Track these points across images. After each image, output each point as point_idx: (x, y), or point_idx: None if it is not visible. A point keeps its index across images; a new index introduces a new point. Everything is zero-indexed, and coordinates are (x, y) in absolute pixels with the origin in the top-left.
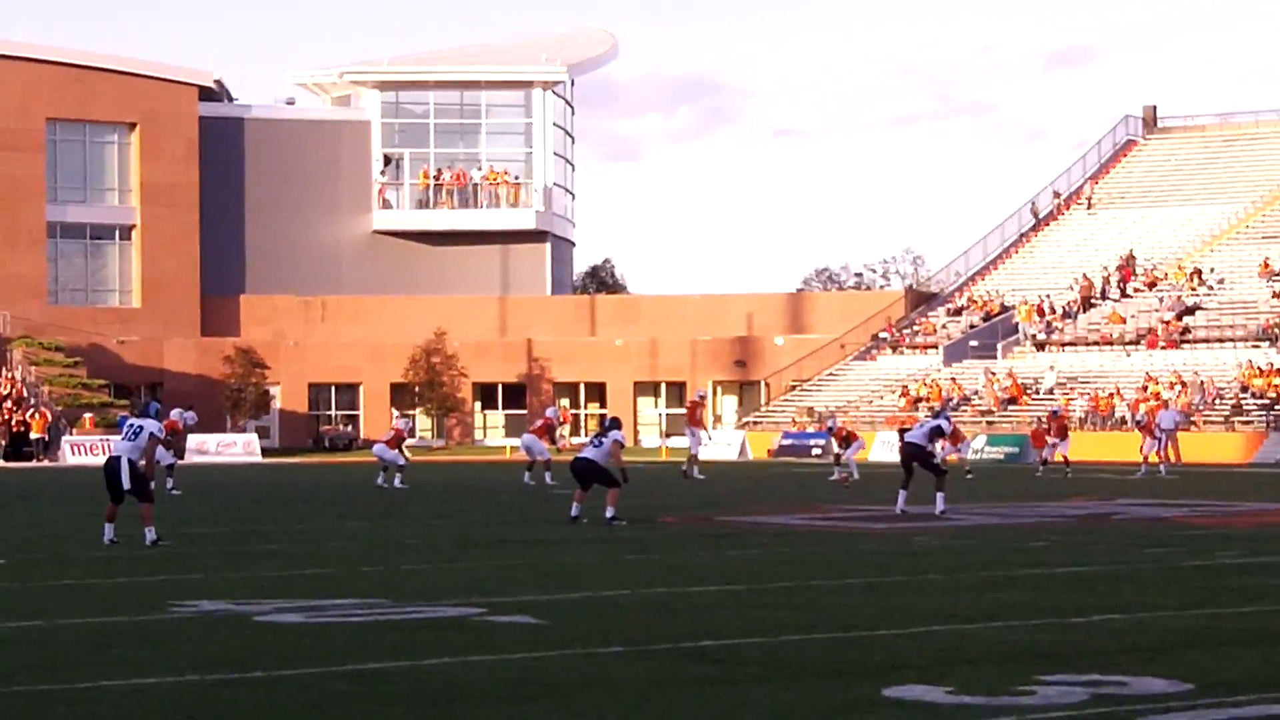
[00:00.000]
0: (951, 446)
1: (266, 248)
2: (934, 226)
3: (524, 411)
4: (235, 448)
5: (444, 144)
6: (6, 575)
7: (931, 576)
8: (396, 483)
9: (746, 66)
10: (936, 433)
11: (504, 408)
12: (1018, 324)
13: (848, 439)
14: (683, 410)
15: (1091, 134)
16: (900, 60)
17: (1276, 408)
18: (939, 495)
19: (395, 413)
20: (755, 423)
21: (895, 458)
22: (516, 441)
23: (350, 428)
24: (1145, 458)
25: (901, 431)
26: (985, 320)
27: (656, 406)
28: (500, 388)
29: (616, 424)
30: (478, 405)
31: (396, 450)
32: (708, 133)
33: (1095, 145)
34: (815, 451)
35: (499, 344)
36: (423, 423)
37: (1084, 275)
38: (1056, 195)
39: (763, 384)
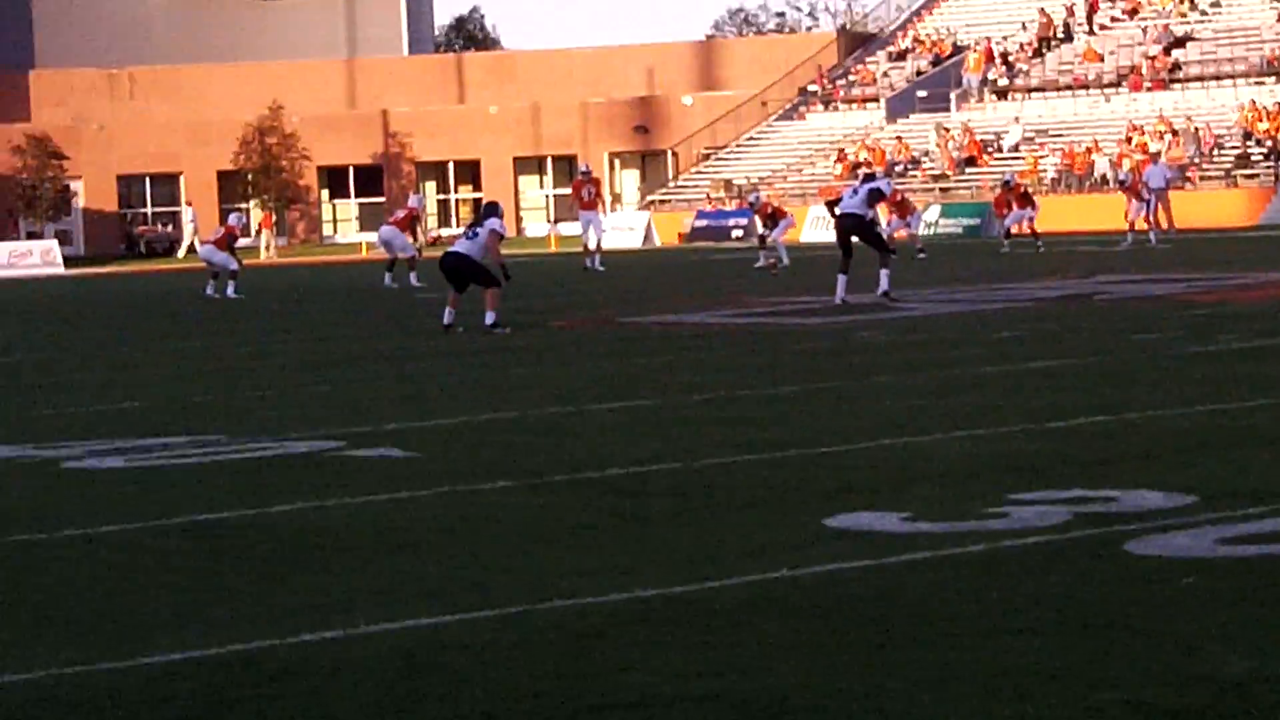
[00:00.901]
0: (899, 220)
1: (59, 10)
2: None
3: (381, 199)
4: (31, 257)
5: None
6: None
7: (879, 379)
8: (229, 292)
9: None
10: (875, 196)
11: (357, 196)
12: (971, 69)
13: (774, 216)
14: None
15: None
16: None
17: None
18: (882, 273)
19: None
20: (662, 201)
21: (831, 236)
22: (374, 236)
23: (170, 227)
24: (1131, 224)
25: (831, 204)
26: (935, 65)
27: (542, 186)
28: (351, 171)
29: (494, 210)
30: (324, 194)
31: (228, 252)
32: None
33: None
34: (736, 234)
35: (348, 117)
36: (258, 217)
37: (1041, 9)
38: None
39: (669, 154)
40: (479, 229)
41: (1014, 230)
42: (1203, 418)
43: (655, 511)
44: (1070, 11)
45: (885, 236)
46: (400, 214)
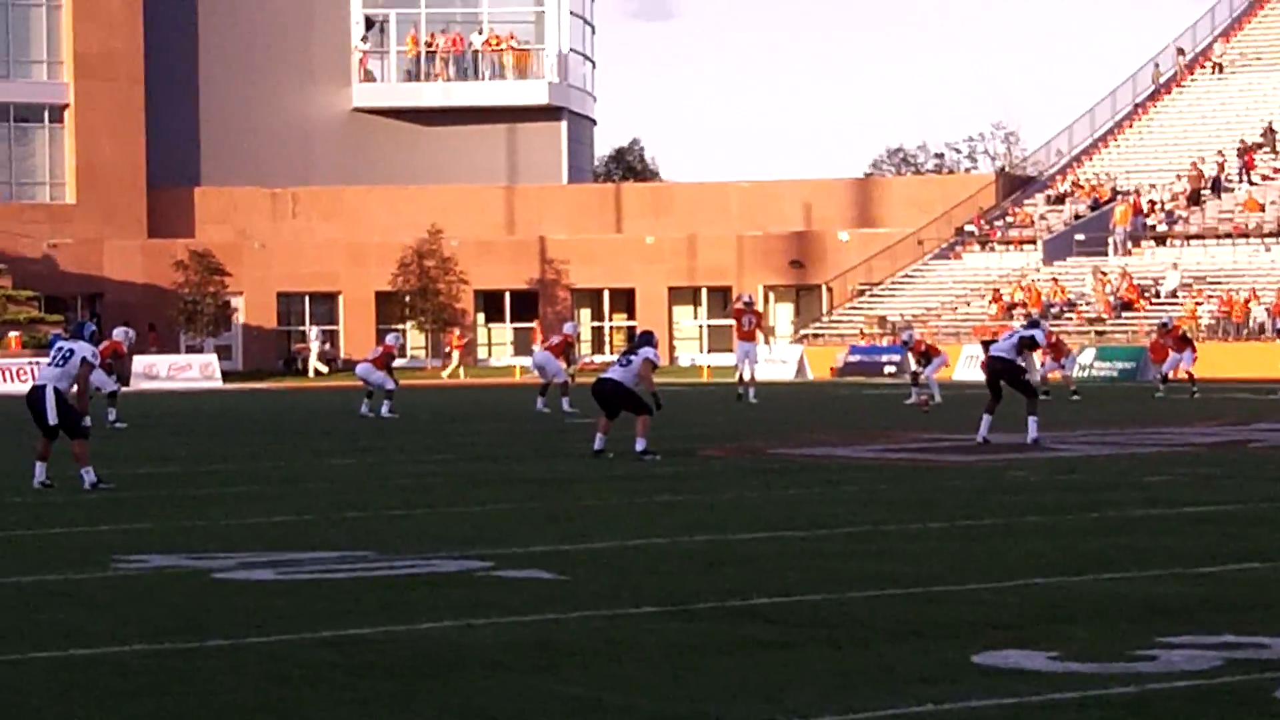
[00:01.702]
0: (1054, 362)
1: (225, 130)
2: (1031, 97)
3: (536, 324)
4: (190, 371)
5: (437, 3)
6: None
7: (1030, 519)
8: (384, 410)
9: None
10: (1028, 344)
11: (512, 320)
12: (1118, 220)
13: (927, 354)
14: (728, 322)
15: None
16: None
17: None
18: (1031, 419)
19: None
20: (816, 335)
21: (982, 376)
22: (527, 361)
23: (328, 345)
24: None
25: (986, 344)
26: (1093, 209)
27: (696, 316)
28: (507, 296)
29: (648, 339)
30: (480, 317)
31: (384, 372)
32: None
33: None
34: (888, 369)
35: (505, 243)
36: (415, 339)
37: (1194, 162)
38: (1180, 53)
39: (824, 288)
40: (633, 356)
41: (1170, 375)
42: None
43: (801, 640)
44: (1221, 167)
45: (1040, 377)
46: (555, 340)
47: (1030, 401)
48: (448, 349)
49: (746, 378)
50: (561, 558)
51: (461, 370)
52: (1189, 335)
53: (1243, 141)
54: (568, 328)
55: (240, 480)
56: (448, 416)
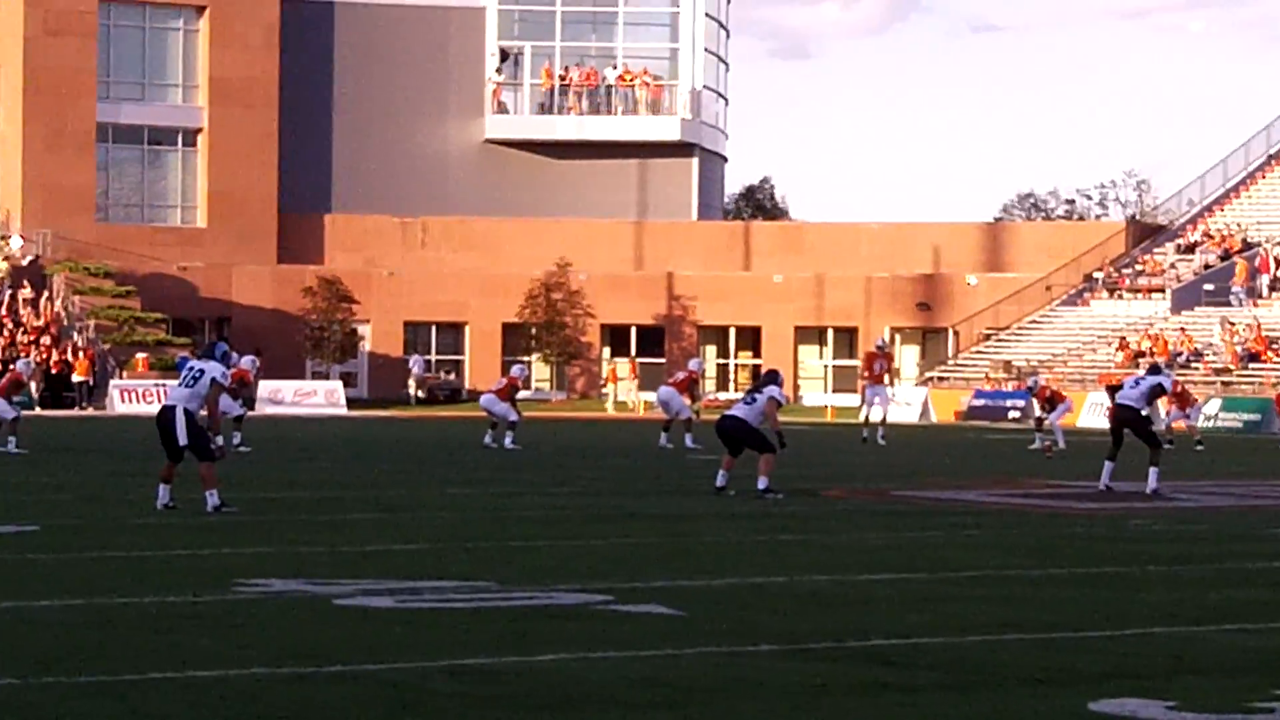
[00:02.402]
0: (1179, 411)
1: (358, 158)
2: (1164, 145)
3: (662, 360)
4: (315, 397)
5: (572, 36)
6: (41, 545)
7: (1151, 568)
8: (508, 442)
9: None
10: (1156, 392)
11: (638, 355)
12: (1238, 278)
13: (1052, 400)
14: (855, 362)
15: None
16: None
17: None
18: (1152, 470)
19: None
20: (941, 378)
21: (1107, 424)
22: (653, 396)
23: (454, 375)
24: None
25: (1112, 390)
26: (1223, 259)
27: (822, 356)
28: (634, 331)
29: (774, 378)
30: (606, 351)
31: (509, 403)
32: (893, 26)
33: None
34: (1013, 414)
35: (633, 278)
36: (540, 371)
37: None
38: None
39: (951, 331)
40: (758, 394)
41: None
42: None
43: (920, 683)
44: None
45: (1164, 426)
46: (680, 376)
47: (1154, 452)
48: (604, 382)
49: (876, 419)
50: (681, 594)
51: (630, 400)
52: None
53: None
54: (693, 364)
55: (362, 507)
56: (570, 450)
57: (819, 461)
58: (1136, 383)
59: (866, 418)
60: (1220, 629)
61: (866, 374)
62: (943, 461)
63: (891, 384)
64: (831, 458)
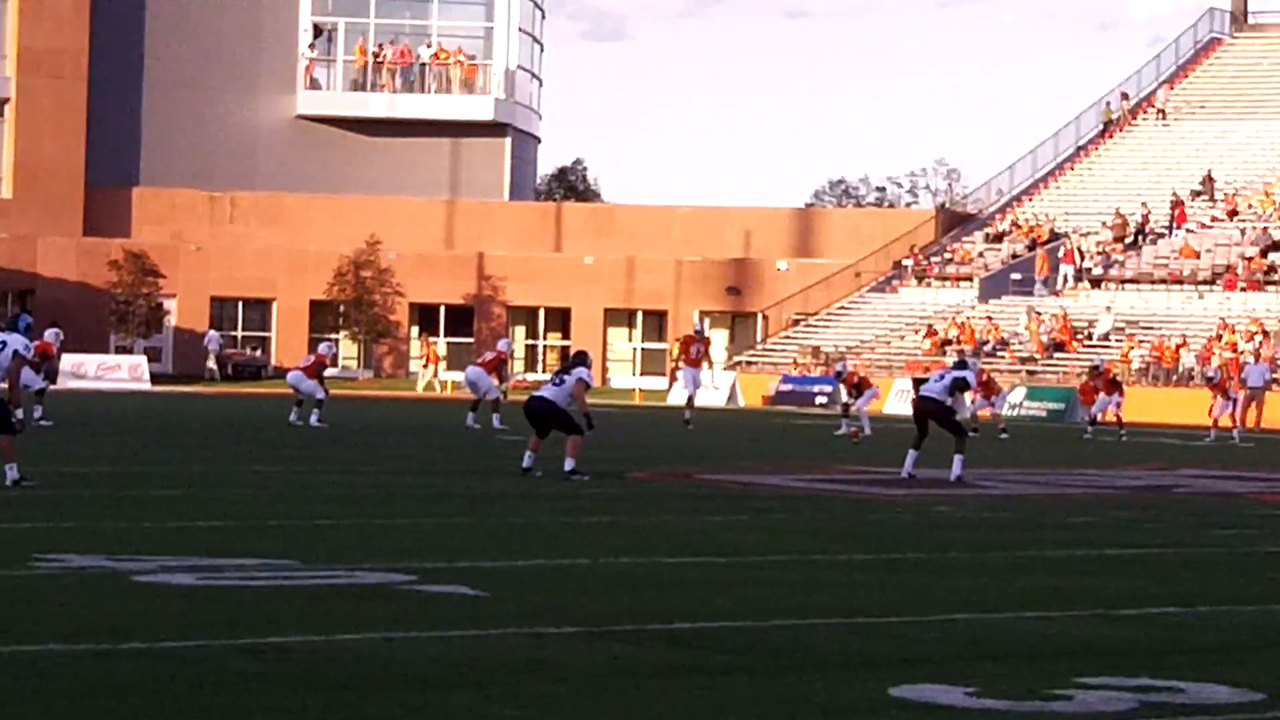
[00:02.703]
0: (983, 399)
1: (167, 132)
2: (974, 135)
3: (471, 340)
4: (119, 372)
5: (386, 13)
6: None
7: (954, 555)
8: (313, 420)
9: None
10: (959, 385)
11: (447, 335)
12: (1038, 271)
13: (860, 386)
14: (663, 345)
15: (1171, 28)
16: None
17: None
18: (957, 458)
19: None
20: (750, 363)
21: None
22: (461, 376)
23: (259, 351)
24: (1215, 421)
25: (917, 382)
26: (1031, 249)
27: (631, 339)
28: (443, 310)
29: (583, 359)
30: (414, 330)
31: (316, 380)
32: (708, 9)
33: (1173, 43)
34: (820, 400)
35: (444, 257)
36: (348, 349)
37: (1117, 210)
38: (1125, 98)
39: (760, 317)
40: (566, 376)
41: (1099, 417)
42: (1275, 616)
43: (722, 667)
44: (1146, 218)
45: (970, 414)
46: (489, 356)
47: (959, 440)
48: (425, 361)
49: (695, 402)
50: (485, 574)
51: (437, 384)
52: (1118, 379)
53: (1174, 192)
54: (502, 344)
55: (164, 483)
56: (377, 429)
57: (626, 444)
58: (942, 376)
59: (689, 400)
60: (1021, 616)
61: (683, 357)
62: (750, 445)
63: (710, 368)
64: (638, 440)
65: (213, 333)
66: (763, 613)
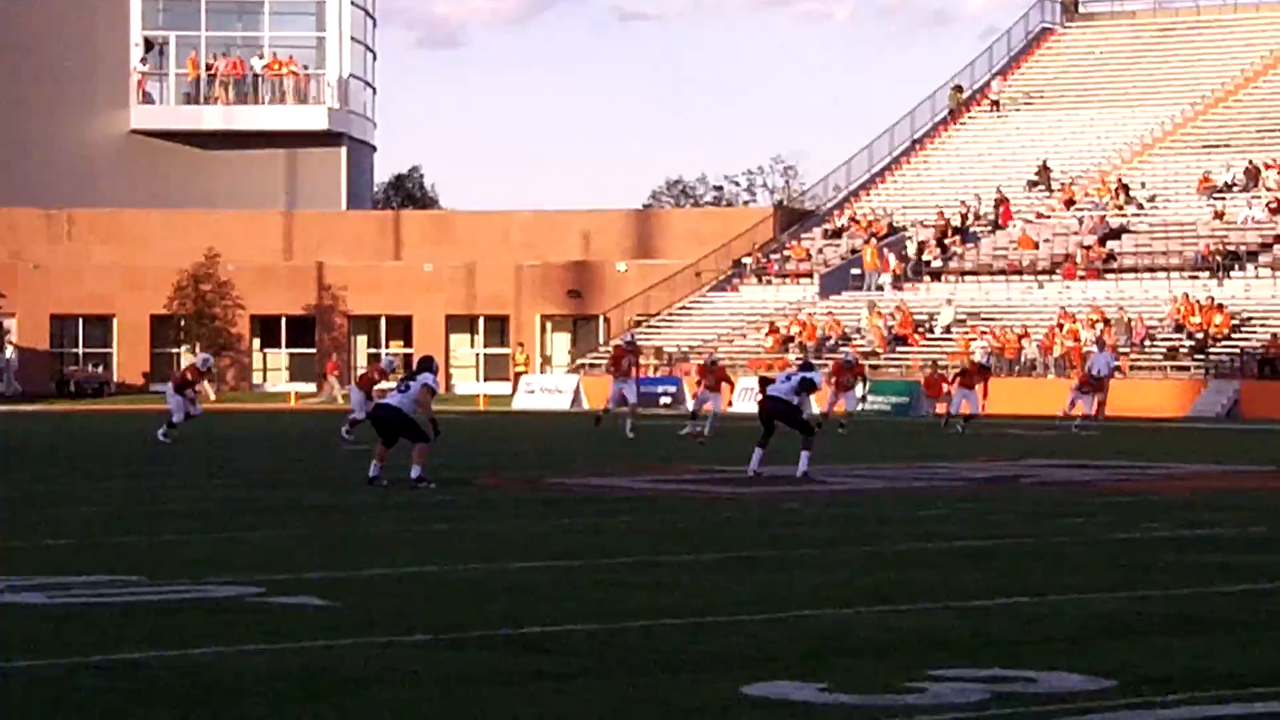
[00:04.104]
0: (835, 394)
1: (1, 150)
2: (811, 132)
3: (313, 351)
4: None
5: (217, 26)
6: None
7: (803, 551)
8: (160, 434)
9: None
10: (806, 386)
11: (288, 346)
12: (868, 265)
13: (714, 384)
14: (505, 350)
15: (1005, 20)
16: None
17: (1213, 351)
18: (804, 454)
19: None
20: (592, 365)
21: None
22: (307, 387)
23: (101, 368)
24: (1066, 411)
25: (764, 381)
26: (870, 243)
27: (474, 345)
28: (284, 321)
29: (428, 365)
30: (256, 343)
31: (181, 395)
32: (542, 14)
33: (1005, 34)
34: (664, 400)
35: (283, 269)
36: (187, 361)
37: (939, 210)
38: (958, 91)
39: (602, 319)
40: (411, 383)
41: (955, 410)
42: (1125, 604)
43: (573, 670)
44: (967, 213)
45: (828, 409)
46: (180, 371)
47: (806, 438)
48: (326, 375)
49: (626, 409)
50: (334, 585)
51: (340, 396)
52: (988, 367)
53: (998, 192)
54: (199, 359)
55: (10, 502)
56: (222, 442)
57: (472, 450)
58: (789, 377)
59: (631, 407)
60: (872, 611)
61: (613, 369)
62: (596, 448)
63: (639, 378)
64: (485, 446)
65: (10, 348)
66: (613, 614)
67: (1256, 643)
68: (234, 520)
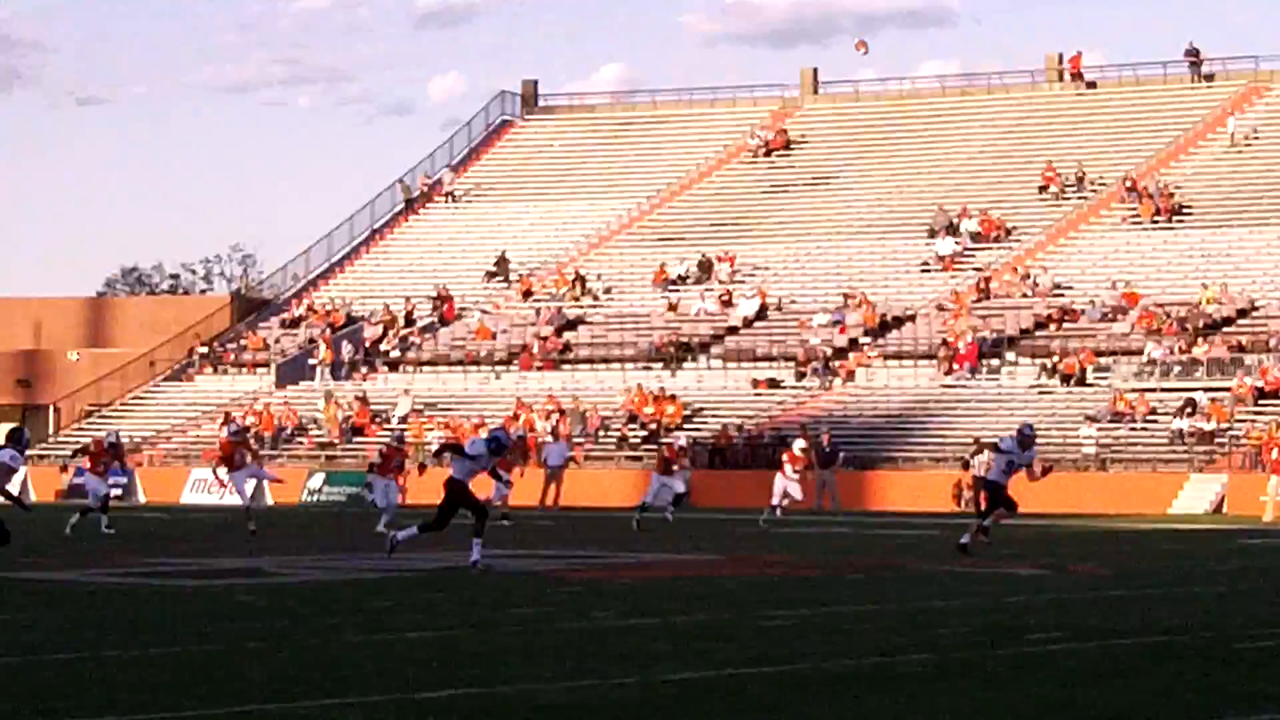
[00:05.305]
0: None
1: None
2: (270, 221)
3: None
4: None
5: None
6: None
7: (253, 644)
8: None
9: (44, 19)
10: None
11: None
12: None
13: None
14: None
15: (467, 111)
16: (236, 16)
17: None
18: (476, 541)
19: None
20: (41, 456)
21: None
22: None
23: None
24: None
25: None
26: (330, 333)
27: None
28: None
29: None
30: None
31: (100, 478)
32: None
33: (465, 125)
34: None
35: None
36: None
37: (386, 306)
38: (404, 186)
39: (52, 408)
40: None
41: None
42: (577, 692)
43: None
44: (409, 313)
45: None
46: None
47: (479, 522)
48: None
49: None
50: None
51: None
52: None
53: (437, 287)
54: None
55: None
56: None
57: None
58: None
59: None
60: (318, 703)
61: (379, 470)
62: (45, 542)
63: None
64: None
65: None
66: (45, 713)
67: None
68: None
